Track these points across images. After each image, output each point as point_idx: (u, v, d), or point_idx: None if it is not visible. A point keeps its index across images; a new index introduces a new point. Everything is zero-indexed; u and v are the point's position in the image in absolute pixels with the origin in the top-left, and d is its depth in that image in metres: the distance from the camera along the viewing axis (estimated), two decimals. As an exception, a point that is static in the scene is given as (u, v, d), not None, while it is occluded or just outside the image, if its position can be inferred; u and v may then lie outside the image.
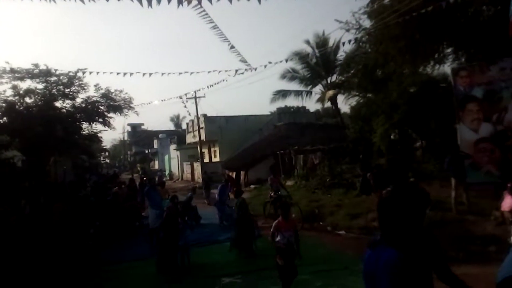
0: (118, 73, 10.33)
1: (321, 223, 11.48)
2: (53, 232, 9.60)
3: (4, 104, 13.40)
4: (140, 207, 13.65)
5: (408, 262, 1.97)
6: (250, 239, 9.16)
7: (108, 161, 75.14)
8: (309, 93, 28.77)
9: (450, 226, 9.26)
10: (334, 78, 27.44)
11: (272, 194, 12.50)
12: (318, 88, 28.60)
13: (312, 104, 57.88)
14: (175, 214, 8.85)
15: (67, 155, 19.20)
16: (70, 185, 13.51)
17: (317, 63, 27.26)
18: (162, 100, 40.93)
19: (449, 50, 14.06)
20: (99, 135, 16.15)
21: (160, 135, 51.50)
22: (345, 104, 34.04)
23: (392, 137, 19.26)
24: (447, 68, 15.57)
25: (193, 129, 33.51)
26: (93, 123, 15.13)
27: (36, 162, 15.12)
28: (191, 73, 11.05)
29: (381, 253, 2.06)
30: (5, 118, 13.54)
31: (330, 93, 25.60)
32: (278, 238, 6.01)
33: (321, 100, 27.54)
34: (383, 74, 18.40)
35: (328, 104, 29.43)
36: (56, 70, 13.78)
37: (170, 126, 67.20)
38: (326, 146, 20.22)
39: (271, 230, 6.10)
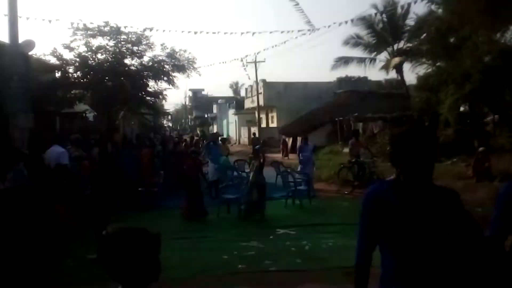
0: (182, 31, 10.60)
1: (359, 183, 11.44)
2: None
3: (78, 59, 14.23)
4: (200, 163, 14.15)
5: None
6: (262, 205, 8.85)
7: (170, 124, 78.27)
8: (372, 60, 27.46)
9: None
10: (401, 44, 25.95)
11: (352, 160, 11.99)
12: (383, 56, 27.21)
13: (374, 74, 55.58)
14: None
15: (135, 112, 20.19)
16: (137, 138, 14.25)
17: (384, 28, 25.85)
18: (223, 62, 40.88)
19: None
20: (164, 93, 16.75)
21: (219, 101, 52.48)
22: (411, 72, 32.12)
23: (461, 108, 18.13)
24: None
25: (251, 94, 33.67)
26: (158, 81, 15.70)
27: (107, 116, 16.09)
28: (253, 33, 11.10)
29: None
30: (79, 72, 14.41)
31: (396, 60, 24.29)
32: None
33: (385, 67, 26.20)
34: (456, 40, 17.10)
35: (391, 75, 28.00)
36: (125, 27, 14.43)
37: (229, 93, 68.11)
38: (388, 114, 19.48)
39: None
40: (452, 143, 15.07)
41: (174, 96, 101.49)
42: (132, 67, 15.44)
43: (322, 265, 5.75)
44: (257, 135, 28.01)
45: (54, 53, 14.11)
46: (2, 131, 9.04)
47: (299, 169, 11.85)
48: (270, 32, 14.83)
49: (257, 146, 14.27)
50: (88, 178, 9.37)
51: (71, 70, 14.36)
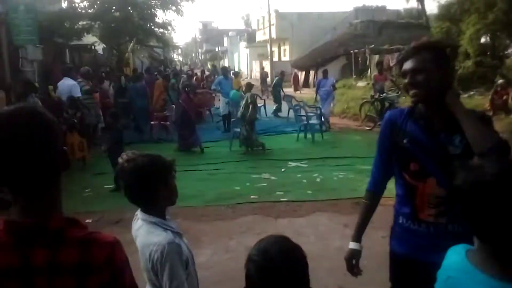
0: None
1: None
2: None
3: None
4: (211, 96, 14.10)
5: None
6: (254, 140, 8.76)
7: (181, 58, 77.04)
8: (392, -13, 25.95)
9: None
10: (423, -30, 24.23)
11: (375, 95, 11.12)
12: (404, -18, 25.61)
13: (393, 3, 52.63)
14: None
15: (144, 45, 19.77)
16: (147, 70, 14.05)
17: (406, -48, 24.04)
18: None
19: None
20: (172, 24, 16.24)
21: (230, 33, 50.96)
22: (433, 1, 30.36)
23: (482, 40, 17.32)
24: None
25: (263, 26, 32.50)
26: (166, 10, 15.11)
27: (116, 49, 15.80)
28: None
29: None
30: (85, 2, 13.93)
31: (418, -14, 22.85)
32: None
33: (405, -6, 24.76)
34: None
35: (412, 4, 26.43)
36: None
37: (241, 25, 65.89)
38: (406, 46, 18.71)
39: None
40: (471, 75, 14.63)
41: (184, 29, 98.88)
42: (140, -4, 14.84)
43: (331, 196, 5.86)
44: (266, 69, 27.49)
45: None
46: (13, 63, 8.96)
47: (319, 105, 11.39)
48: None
49: (277, 78, 14.49)
50: (100, 111, 9.48)
51: (77, 0, 13.89)
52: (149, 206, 1.74)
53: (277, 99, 14.04)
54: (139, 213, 1.80)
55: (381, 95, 10.89)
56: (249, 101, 8.58)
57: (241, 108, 8.72)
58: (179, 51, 70.09)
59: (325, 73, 12.01)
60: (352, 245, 2.05)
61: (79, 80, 8.93)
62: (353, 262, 2.04)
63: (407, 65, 1.74)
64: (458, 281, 1.15)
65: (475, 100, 11.77)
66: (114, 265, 1.02)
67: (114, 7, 13.82)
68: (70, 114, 7.82)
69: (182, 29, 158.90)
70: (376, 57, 19.28)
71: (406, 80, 1.75)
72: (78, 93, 8.29)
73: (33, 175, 1.01)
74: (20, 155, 0.98)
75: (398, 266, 1.93)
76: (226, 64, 46.64)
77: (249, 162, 7.96)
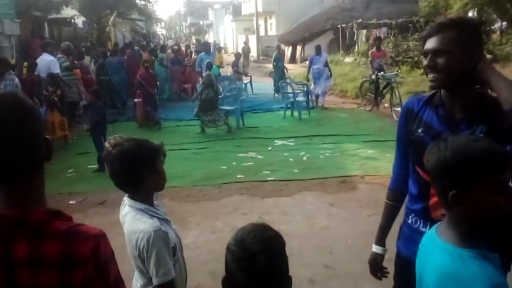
0: None
1: (381, 100, 11.02)
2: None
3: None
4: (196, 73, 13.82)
5: None
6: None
7: (164, 32, 75.26)
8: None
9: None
10: None
11: (372, 75, 10.06)
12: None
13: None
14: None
15: (126, 18, 19.16)
16: (128, 45, 13.68)
17: None
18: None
19: None
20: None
21: (215, 6, 49.71)
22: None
23: (470, 14, 17.26)
24: None
25: (249, -2, 31.76)
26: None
27: (96, 23, 15.29)
28: None
29: None
30: (63, -28, 13.31)
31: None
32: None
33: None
34: None
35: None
36: None
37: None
38: (393, 20, 18.55)
39: None
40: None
41: (167, 2, 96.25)
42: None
43: (318, 175, 5.86)
44: (252, 43, 27.01)
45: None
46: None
47: (312, 83, 10.91)
48: None
49: (275, 53, 13.04)
50: (82, 88, 9.21)
51: (54, -30, 13.22)
52: (136, 192, 1.71)
53: (277, 76, 12.51)
54: (126, 199, 1.75)
55: (379, 74, 9.81)
56: (202, 81, 8.44)
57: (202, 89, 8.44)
58: (163, 24, 68.46)
59: (318, 49, 11.02)
60: (375, 248, 1.90)
61: (59, 56, 8.62)
62: (376, 266, 1.91)
63: (429, 44, 1.54)
64: (426, 248, 1.30)
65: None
66: (99, 259, 0.99)
67: (93, -22, 13.26)
68: (50, 92, 7.57)
69: (165, 2, 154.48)
70: (364, 32, 19.13)
71: (425, 62, 1.57)
72: (57, 70, 8.03)
73: (14, 165, 0.98)
74: (0, 144, 0.95)
75: (403, 269, 1.77)
76: (212, 38, 45.80)
77: (235, 140, 7.87)
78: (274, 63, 12.87)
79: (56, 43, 12.06)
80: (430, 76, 1.55)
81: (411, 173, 1.72)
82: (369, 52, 10.87)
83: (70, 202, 5.23)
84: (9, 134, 0.96)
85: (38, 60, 8.06)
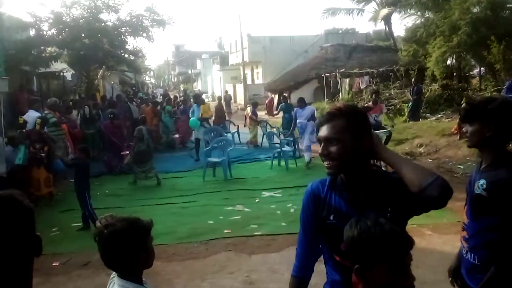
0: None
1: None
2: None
3: (52, 16, 13.44)
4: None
5: None
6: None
7: (153, 80, 76.62)
8: (360, 11, 26.80)
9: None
10: (389, -5, 25.26)
11: None
12: (371, 6, 26.56)
13: (362, 25, 54.58)
14: None
15: (114, 70, 19.54)
16: (118, 98, 13.86)
17: (372, -22, 25.04)
18: (206, 16, 39.72)
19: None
20: (144, 51, 16.16)
21: (203, 56, 51.15)
22: (400, 23, 31.79)
23: (448, 62, 17.99)
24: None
25: (236, 49, 32.82)
26: (137, 37, 15.01)
27: (85, 76, 15.54)
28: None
29: None
30: (53, 29, 13.67)
31: (385, 11, 23.70)
32: None
33: (373, 19, 25.65)
34: (446, -9, 16.72)
35: (380, 26, 27.50)
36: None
37: (214, 47, 66.26)
38: (375, 69, 19.25)
39: None
40: (438, 98, 15.11)
41: (156, 52, 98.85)
42: (109, 23, 14.69)
43: (307, 228, 5.80)
44: (239, 92, 27.65)
45: (26, 10, 13.33)
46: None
47: (300, 138, 10.37)
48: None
49: (282, 104, 12.22)
50: (69, 143, 9.21)
51: (45, 28, 13.61)
52: (126, 272, 1.70)
53: (288, 126, 11.25)
54: (116, 278, 1.74)
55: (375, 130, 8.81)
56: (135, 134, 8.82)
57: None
58: (151, 73, 69.77)
59: (301, 102, 10.29)
60: None
61: (46, 112, 8.70)
62: None
63: (321, 132, 1.58)
64: None
65: (443, 123, 12.11)
66: None
67: (83, 34, 13.61)
68: (37, 148, 7.54)
69: (154, 52, 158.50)
70: (347, 80, 19.74)
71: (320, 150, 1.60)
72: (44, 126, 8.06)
73: (5, 261, 1.03)
74: None
75: None
76: (200, 87, 46.72)
77: (222, 193, 7.84)
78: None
79: (44, 97, 12.22)
80: (326, 163, 1.58)
81: (328, 259, 1.68)
82: (364, 106, 9.50)
83: (54, 264, 5.06)
84: (3, 234, 1.02)
85: (25, 117, 8.11)
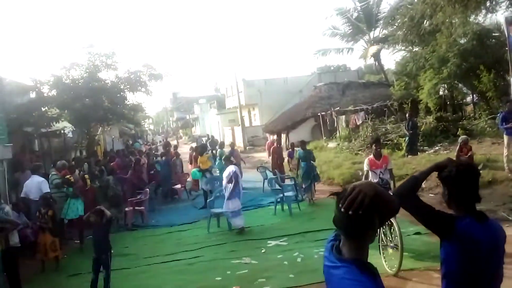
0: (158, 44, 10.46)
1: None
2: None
3: (52, 78, 13.88)
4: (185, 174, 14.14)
5: None
6: None
7: (152, 127, 77.49)
8: (350, 50, 27.72)
9: (501, 185, 8.91)
10: (377, 32, 26.21)
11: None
12: (360, 44, 27.50)
13: (354, 61, 55.93)
14: None
15: (114, 124, 19.89)
16: (118, 153, 14.07)
17: (359, 18, 26.04)
18: (201, 66, 40.95)
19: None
20: (143, 105, 16.57)
21: (200, 100, 52.04)
22: (389, 59, 32.68)
23: (441, 92, 18.34)
24: (500, 16, 14.42)
25: (232, 93, 33.47)
26: (136, 92, 15.44)
27: (86, 133, 15.80)
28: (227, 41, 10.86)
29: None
30: (53, 91, 14.07)
31: (374, 48, 24.54)
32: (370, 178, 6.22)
33: (363, 56, 26.49)
34: (431, 26, 17.31)
35: (371, 61, 28.35)
36: (97, 43, 14.14)
37: (210, 91, 67.58)
38: (369, 105, 19.61)
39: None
40: (434, 130, 15.26)
41: (154, 99, 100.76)
42: (108, 81, 15.15)
43: (314, 279, 5.73)
44: (238, 135, 27.83)
45: (27, 74, 13.80)
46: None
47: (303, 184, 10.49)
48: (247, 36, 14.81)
49: (299, 151, 10.88)
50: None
51: (45, 90, 14.01)
52: None
53: (308, 177, 10.58)
54: None
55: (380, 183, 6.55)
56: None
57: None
58: (150, 120, 70.72)
59: (293, 146, 10.89)
60: None
61: (53, 173, 8.87)
62: None
63: None
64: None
65: (441, 155, 12.19)
66: None
67: (83, 94, 13.99)
68: (43, 213, 7.59)
69: (152, 100, 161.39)
70: (343, 117, 20.04)
71: None
72: (47, 189, 8.19)
73: None
74: None
75: None
76: (198, 131, 47.16)
77: (228, 245, 7.81)
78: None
79: (46, 155, 12.38)
80: None
81: None
82: (365, 160, 7.07)
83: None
84: None
85: (28, 183, 8.26)
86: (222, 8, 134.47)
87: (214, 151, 16.51)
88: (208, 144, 19.35)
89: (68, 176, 9.28)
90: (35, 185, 8.11)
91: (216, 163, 13.37)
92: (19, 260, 6.26)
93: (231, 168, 8.77)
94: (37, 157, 12.39)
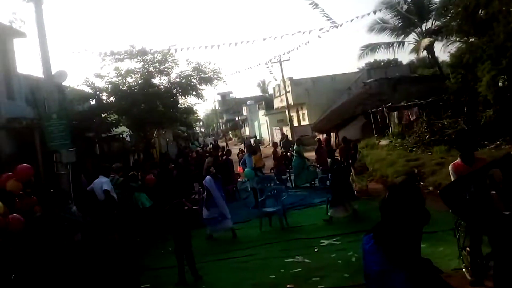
0: (206, 47, 10.90)
1: (422, 183, 10.83)
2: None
3: (110, 85, 14.74)
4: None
5: None
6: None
7: (203, 130, 79.54)
8: (401, 44, 26.72)
9: None
10: (429, 24, 25.11)
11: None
12: (412, 38, 26.41)
13: (405, 56, 54.07)
14: None
15: (168, 128, 20.74)
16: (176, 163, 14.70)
17: (409, 10, 25.10)
18: (249, 68, 41.44)
19: None
20: (194, 108, 17.20)
21: (248, 102, 52.69)
22: (443, 52, 31.16)
23: (500, 84, 17.26)
24: None
25: (280, 93, 33.58)
26: (187, 96, 15.98)
27: (142, 136, 16.62)
28: (275, 37, 11.04)
29: None
30: (112, 98, 14.93)
31: (426, 41, 23.49)
32: None
33: (415, 50, 25.46)
34: (487, 15, 16.36)
35: (423, 54, 27.19)
36: (151, 49, 14.83)
37: (257, 92, 68.21)
38: (423, 100, 18.85)
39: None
40: (494, 124, 14.43)
41: (204, 101, 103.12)
42: (161, 86, 15.82)
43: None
44: (278, 135, 27.85)
45: (86, 82, 14.73)
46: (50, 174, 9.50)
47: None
48: (292, 34, 14.83)
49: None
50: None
51: (104, 97, 14.90)
52: None
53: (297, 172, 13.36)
54: None
55: None
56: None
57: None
58: (201, 123, 72.61)
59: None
60: None
61: (112, 175, 9.48)
62: None
63: None
64: None
65: (504, 150, 11.51)
66: None
67: (139, 100, 14.70)
68: (108, 213, 8.07)
69: (201, 104, 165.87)
70: (395, 114, 19.43)
71: None
72: (109, 187, 8.77)
73: None
74: None
75: None
76: (248, 132, 47.74)
77: (280, 244, 7.88)
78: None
79: (106, 158, 13.16)
80: None
81: None
82: (450, 166, 5.20)
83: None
84: None
85: (96, 182, 8.88)
86: (269, 9, 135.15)
87: (288, 153, 16.49)
88: (281, 144, 19.14)
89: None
90: (100, 184, 8.72)
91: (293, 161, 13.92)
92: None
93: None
94: (98, 161, 13.18)
